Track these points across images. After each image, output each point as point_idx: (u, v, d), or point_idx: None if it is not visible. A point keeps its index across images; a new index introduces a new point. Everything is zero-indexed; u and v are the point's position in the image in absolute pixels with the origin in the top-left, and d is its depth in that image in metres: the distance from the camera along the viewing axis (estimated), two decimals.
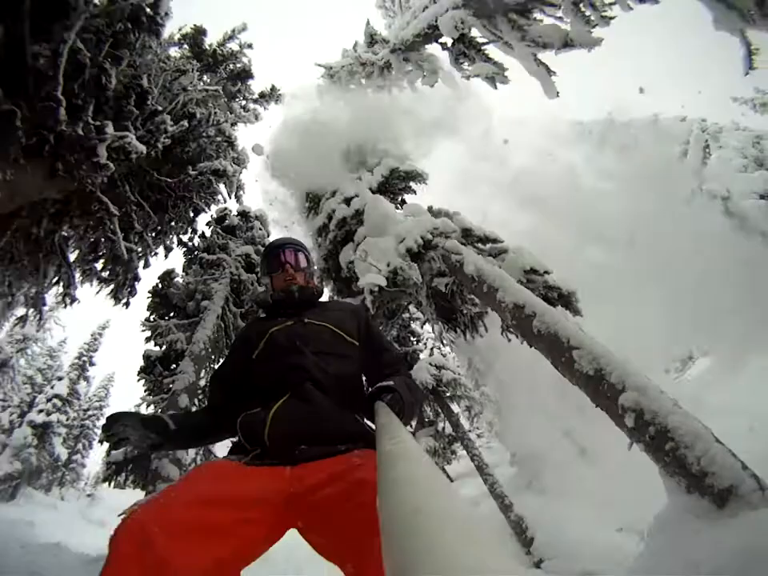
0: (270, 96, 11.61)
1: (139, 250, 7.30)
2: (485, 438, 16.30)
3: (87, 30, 4.10)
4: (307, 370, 1.36)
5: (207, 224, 10.26)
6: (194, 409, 6.17)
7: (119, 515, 0.98)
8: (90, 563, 5.76)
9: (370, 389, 1.33)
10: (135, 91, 4.96)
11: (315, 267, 1.90)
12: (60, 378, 16.36)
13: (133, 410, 1.29)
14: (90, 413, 18.97)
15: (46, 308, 6.92)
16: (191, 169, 6.95)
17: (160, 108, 5.86)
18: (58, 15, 3.63)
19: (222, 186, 8.10)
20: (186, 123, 5.56)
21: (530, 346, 5.17)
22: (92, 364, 18.94)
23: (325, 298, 1.81)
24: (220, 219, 10.15)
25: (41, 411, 14.48)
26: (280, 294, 1.66)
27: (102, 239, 5.73)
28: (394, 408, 1.14)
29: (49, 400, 14.98)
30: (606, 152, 15.29)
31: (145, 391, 6.78)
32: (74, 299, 6.90)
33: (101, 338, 19.26)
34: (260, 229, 10.56)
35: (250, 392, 1.41)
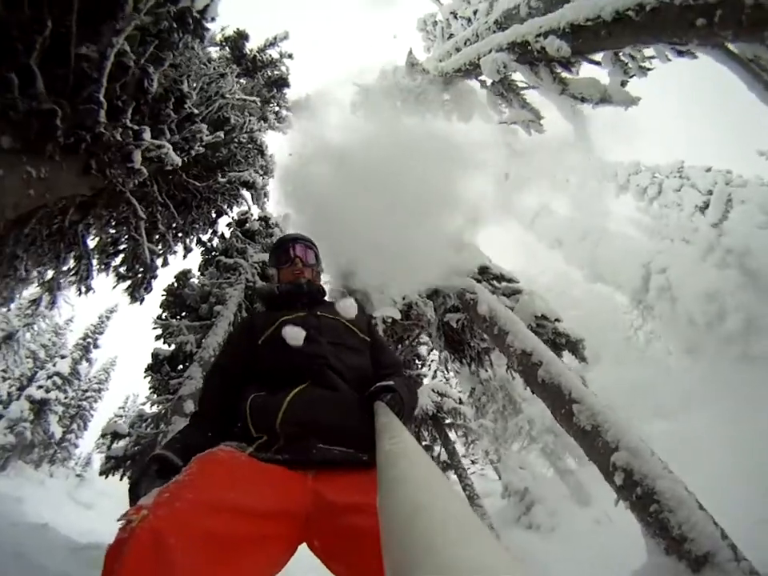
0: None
1: (160, 249, 7.40)
2: (479, 464, 16.16)
3: (134, 29, 4.19)
4: (326, 358, 1.31)
5: (228, 225, 10.28)
6: None
7: (120, 519, 0.78)
8: (78, 550, 5.74)
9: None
10: (174, 95, 5.04)
11: (323, 266, 1.85)
12: (63, 357, 16.47)
13: (148, 469, 1.17)
14: (88, 394, 19.04)
15: (59, 293, 7.00)
16: (220, 175, 7.04)
17: (197, 111, 5.95)
18: (107, 16, 3.70)
19: (247, 194, 8.15)
20: (221, 134, 5.60)
21: (533, 392, 5.18)
22: (96, 346, 19.02)
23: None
24: (241, 222, 10.16)
25: (40, 387, 14.57)
26: (287, 285, 1.62)
27: (126, 236, 5.78)
28: (393, 408, 1.12)
29: (49, 377, 15.08)
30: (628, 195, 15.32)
31: (150, 389, 6.79)
32: (89, 289, 7.00)
33: (108, 321, 19.36)
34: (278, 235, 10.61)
35: (255, 379, 1.33)
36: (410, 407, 1.32)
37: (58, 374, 15.38)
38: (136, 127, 4.13)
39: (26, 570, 4.72)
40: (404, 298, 5.62)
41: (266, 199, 10.11)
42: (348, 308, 1.57)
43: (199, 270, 9.32)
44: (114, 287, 6.52)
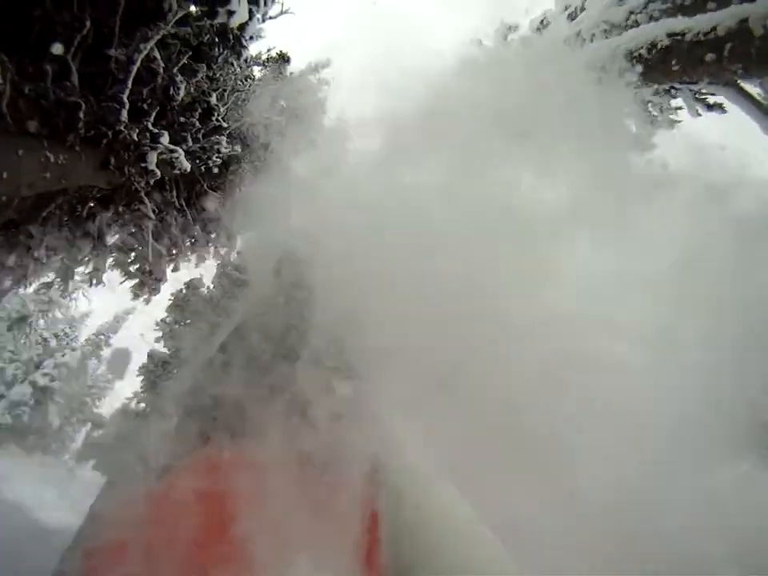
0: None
1: (174, 252, 7.56)
2: None
3: (173, 37, 4.43)
4: None
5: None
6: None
7: None
8: (44, 533, 5.68)
9: None
10: (202, 105, 5.27)
11: None
12: (74, 349, 16.68)
13: None
14: (93, 391, 19.17)
15: (72, 282, 7.16)
16: (239, 190, 7.23)
17: (225, 125, 6.18)
18: (147, 22, 3.92)
19: None
20: (238, 147, 5.78)
21: None
22: (108, 344, 19.19)
23: None
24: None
25: (45, 374, 14.74)
26: None
27: (137, 235, 5.94)
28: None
29: (56, 366, 15.27)
30: None
31: (140, 388, 6.85)
32: (100, 281, 7.16)
33: (123, 322, 19.59)
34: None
35: None
36: None
37: (65, 365, 15.57)
38: (155, 130, 4.31)
39: None
40: None
41: None
42: None
43: (212, 283, 9.47)
44: (121, 283, 6.64)
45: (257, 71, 9.69)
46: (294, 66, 11.24)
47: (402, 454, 0.67)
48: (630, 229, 2.30)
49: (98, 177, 4.38)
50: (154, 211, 5.67)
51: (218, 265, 9.66)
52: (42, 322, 15.23)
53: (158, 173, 4.49)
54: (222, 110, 5.96)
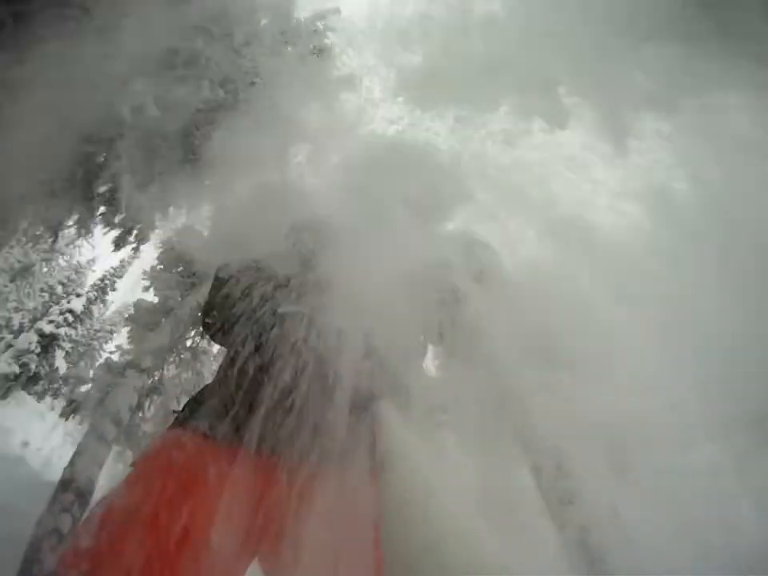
0: None
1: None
2: None
3: None
4: None
5: None
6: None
7: None
8: (36, 485, 5.84)
9: None
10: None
11: None
12: (78, 295, 16.88)
13: None
14: (99, 334, 19.61)
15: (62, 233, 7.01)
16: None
17: None
18: None
19: None
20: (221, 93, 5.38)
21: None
22: (113, 289, 19.36)
23: None
24: None
25: (51, 322, 15.02)
26: None
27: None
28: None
29: (62, 313, 15.51)
30: None
31: (127, 338, 6.84)
32: (88, 231, 7.02)
33: (129, 266, 19.66)
34: None
35: None
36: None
37: (70, 311, 15.79)
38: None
39: None
40: None
41: None
42: None
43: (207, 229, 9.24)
44: (105, 234, 6.50)
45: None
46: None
47: (402, 452, 0.66)
48: None
49: None
50: None
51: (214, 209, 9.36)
52: (45, 269, 15.32)
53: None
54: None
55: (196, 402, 1.19)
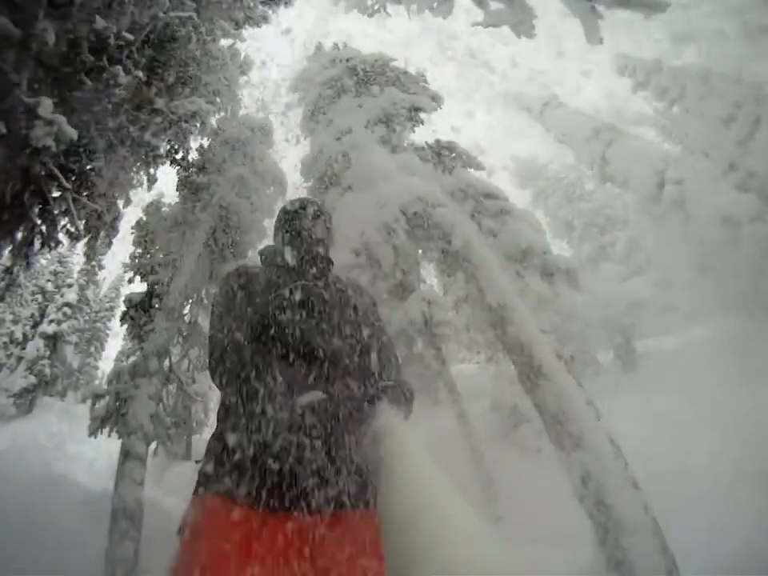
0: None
1: (116, 193, 6.85)
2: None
3: None
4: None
5: (207, 136, 9.32)
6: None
7: None
8: (89, 503, 6.17)
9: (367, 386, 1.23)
10: (89, 39, 4.19)
11: (332, 233, 1.68)
12: (70, 285, 16.66)
13: None
14: (101, 314, 19.68)
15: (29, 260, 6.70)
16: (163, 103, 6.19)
17: (131, 38, 4.99)
18: None
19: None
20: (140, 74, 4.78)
21: (503, 347, 4.93)
22: (101, 267, 19.00)
23: None
24: (219, 131, 9.19)
25: (51, 321, 14.99)
26: (294, 258, 1.47)
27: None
28: (394, 408, 1.08)
29: (59, 309, 15.42)
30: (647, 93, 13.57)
31: (125, 338, 6.82)
32: (58, 243, 6.69)
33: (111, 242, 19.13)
34: (261, 142, 9.60)
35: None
36: (408, 412, 1.26)
37: (67, 304, 15.69)
38: (31, 101, 3.47)
39: (32, 533, 5.07)
40: (362, 234, 5.11)
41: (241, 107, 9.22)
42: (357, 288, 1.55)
43: (176, 190, 8.67)
44: (70, 247, 6.22)
45: None
46: None
47: (402, 451, 0.68)
48: None
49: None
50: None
51: (178, 170, 8.69)
52: (29, 272, 14.96)
53: (51, 145, 3.73)
54: (114, 29, 4.80)
55: (212, 466, 1.14)
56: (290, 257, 1.46)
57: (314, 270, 1.45)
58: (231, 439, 1.11)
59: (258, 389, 1.11)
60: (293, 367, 1.15)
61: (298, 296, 1.29)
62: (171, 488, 8.69)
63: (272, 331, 1.20)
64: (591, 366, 12.68)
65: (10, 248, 6.12)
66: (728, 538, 3.28)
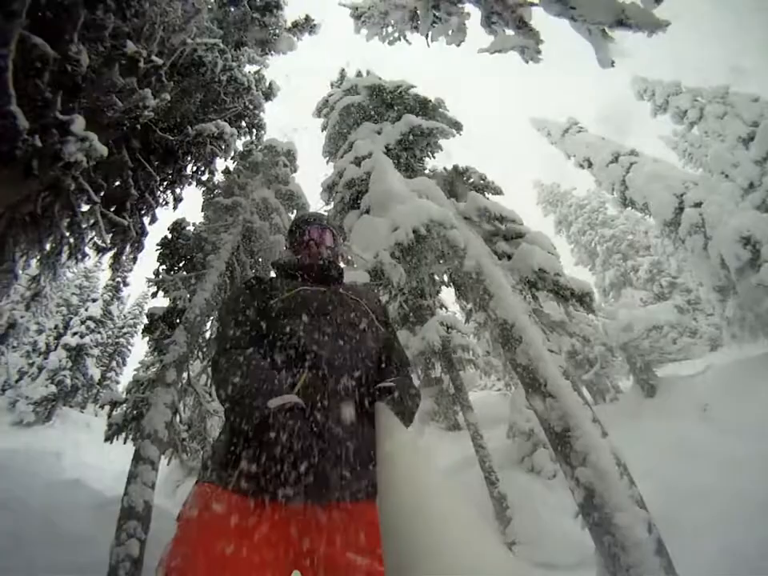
0: (304, 26, 10.83)
1: (143, 209, 7.14)
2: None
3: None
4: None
5: (232, 158, 9.64)
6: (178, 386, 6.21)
7: None
8: (105, 505, 6.27)
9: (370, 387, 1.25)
10: (119, 61, 4.48)
11: (341, 246, 1.83)
12: (94, 300, 17.11)
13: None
14: (124, 330, 20.06)
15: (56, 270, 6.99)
16: (190, 128, 6.49)
17: (160, 62, 5.30)
18: None
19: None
20: (167, 96, 5.04)
21: (511, 365, 4.91)
22: (126, 284, 19.50)
23: None
24: (245, 154, 9.55)
25: (75, 334, 15.37)
26: (306, 264, 1.55)
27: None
28: (394, 409, 1.10)
29: (83, 322, 15.83)
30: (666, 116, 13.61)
31: (148, 350, 6.94)
32: (84, 255, 6.96)
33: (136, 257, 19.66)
34: (285, 165, 9.88)
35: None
36: (411, 411, 1.27)
37: (90, 318, 16.10)
38: (65, 118, 3.70)
39: (51, 535, 5.18)
40: (376, 255, 5.20)
41: (262, 132, 9.52)
42: (368, 292, 1.58)
43: (202, 210, 8.95)
44: (97, 261, 6.46)
45: None
46: None
47: (401, 451, 0.68)
48: None
49: (26, 186, 3.96)
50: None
51: (203, 192, 9.01)
52: (55, 285, 15.48)
53: (82, 160, 3.95)
54: (145, 54, 5.11)
55: (216, 456, 1.17)
56: (298, 263, 1.54)
57: (322, 275, 1.51)
58: (228, 431, 1.15)
59: (257, 387, 1.11)
60: (294, 368, 1.19)
61: (299, 299, 1.34)
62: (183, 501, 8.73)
63: (273, 333, 1.26)
64: (610, 391, 12.46)
65: (38, 257, 6.45)
66: (737, 561, 3.17)
